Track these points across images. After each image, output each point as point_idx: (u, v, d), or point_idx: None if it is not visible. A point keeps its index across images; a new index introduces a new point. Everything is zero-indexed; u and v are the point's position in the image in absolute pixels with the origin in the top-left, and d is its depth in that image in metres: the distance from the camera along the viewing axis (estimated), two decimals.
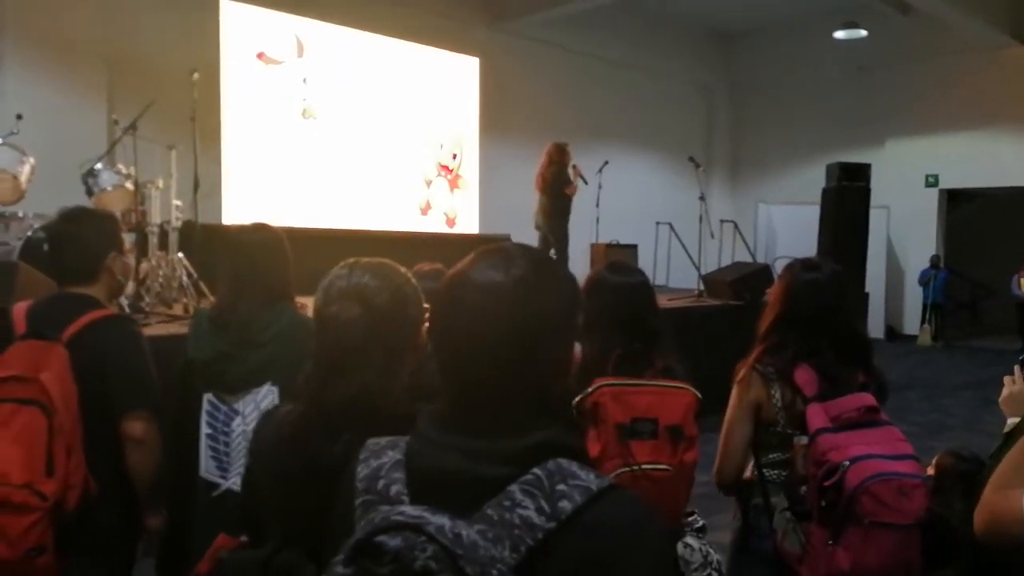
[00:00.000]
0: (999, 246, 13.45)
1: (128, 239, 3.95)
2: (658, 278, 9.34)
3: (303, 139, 8.64)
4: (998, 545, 1.27)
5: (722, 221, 10.51)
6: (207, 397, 2.11)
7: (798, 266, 2.17)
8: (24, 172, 4.93)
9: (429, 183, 9.89)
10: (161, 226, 5.57)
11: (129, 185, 5.15)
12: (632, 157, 12.66)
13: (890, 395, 2.13)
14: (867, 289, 10.07)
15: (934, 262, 13.06)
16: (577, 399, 1.90)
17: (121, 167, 5.25)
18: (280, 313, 2.10)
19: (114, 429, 2.03)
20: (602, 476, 0.90)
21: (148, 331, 3.04)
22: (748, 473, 2.14)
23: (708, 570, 1.98)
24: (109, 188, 5.08)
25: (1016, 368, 2.10)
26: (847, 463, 1.82)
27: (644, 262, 8.89)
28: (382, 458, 0.95)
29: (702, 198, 8.59)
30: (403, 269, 1.42)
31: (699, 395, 2.00)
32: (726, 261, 10.01)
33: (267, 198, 8.09)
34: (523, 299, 0.91)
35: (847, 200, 9.29)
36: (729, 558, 2.16)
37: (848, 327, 2.13)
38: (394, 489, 0.91)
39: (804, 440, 1.95)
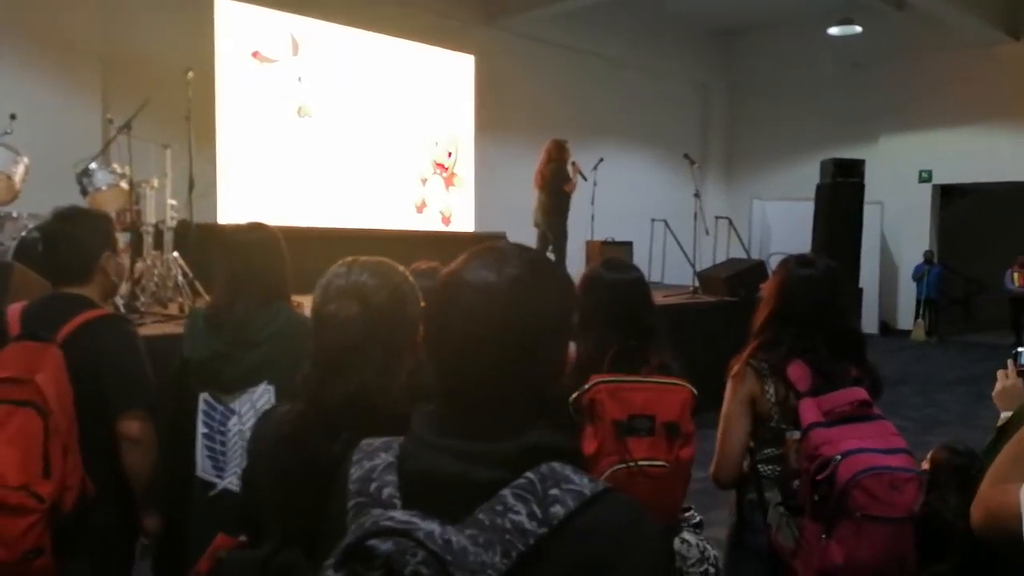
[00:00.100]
0: (992, 241, 13.52)
1: (123, 239, 3.93)
2: (653, 275, 9.33)
3: (298, 138, 8.63)
4: (995, 539, 1.27)
5: (717, 217, 10.50)
6: (203, 397, 2.10)
7: (792, 262, 2.17)
8: (18, 172, 4.90)
9: (424, 181, 9.88)
10: (156, 225, 5.54)
11: (124, 184, 5.13)
12: (627, 154, 12.65)
13: (884, 390, 2.14)
14: (861, 284, 10.10)
15: (928, 257, 13.11)
16: (574, 396, 1.90)
17: (116, 166, 5.22)
18: (276, 312, 2.10)
19: (110, 429, 2.02)
20: (596, 480, 0.88)
21: (143, 331, 3.03)
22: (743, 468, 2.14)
23: (705, 565, 1.99)
24: (104, 188, 5.05)
25: (1009, 362, 2.12)
26: (839, 457, 1.83)
27: (639, 259, 8.88)
28: (375, 460, 0.94)
29: (697, 195, 8.58)
30: (401, 268, 1.42)
31: (695, 391, 2.00)
32: (721, 257, 10.02)
33: (263, 197, 8.07)
34: (518, 299, 0.90)
35: (841, 196, 9.31)
36: (725, 554, 2.17)
37: (842, 323, 2.14)
38: (386, 492, 0.90)
39: (796, 435, 1.96)
